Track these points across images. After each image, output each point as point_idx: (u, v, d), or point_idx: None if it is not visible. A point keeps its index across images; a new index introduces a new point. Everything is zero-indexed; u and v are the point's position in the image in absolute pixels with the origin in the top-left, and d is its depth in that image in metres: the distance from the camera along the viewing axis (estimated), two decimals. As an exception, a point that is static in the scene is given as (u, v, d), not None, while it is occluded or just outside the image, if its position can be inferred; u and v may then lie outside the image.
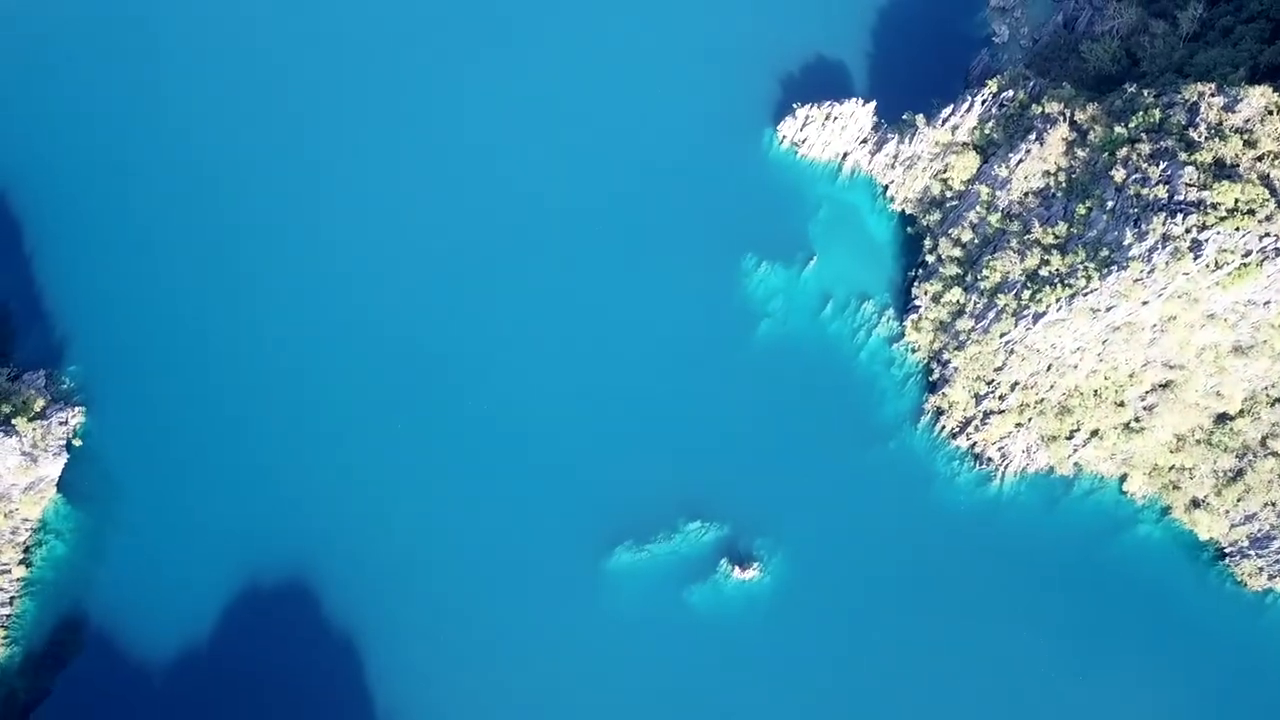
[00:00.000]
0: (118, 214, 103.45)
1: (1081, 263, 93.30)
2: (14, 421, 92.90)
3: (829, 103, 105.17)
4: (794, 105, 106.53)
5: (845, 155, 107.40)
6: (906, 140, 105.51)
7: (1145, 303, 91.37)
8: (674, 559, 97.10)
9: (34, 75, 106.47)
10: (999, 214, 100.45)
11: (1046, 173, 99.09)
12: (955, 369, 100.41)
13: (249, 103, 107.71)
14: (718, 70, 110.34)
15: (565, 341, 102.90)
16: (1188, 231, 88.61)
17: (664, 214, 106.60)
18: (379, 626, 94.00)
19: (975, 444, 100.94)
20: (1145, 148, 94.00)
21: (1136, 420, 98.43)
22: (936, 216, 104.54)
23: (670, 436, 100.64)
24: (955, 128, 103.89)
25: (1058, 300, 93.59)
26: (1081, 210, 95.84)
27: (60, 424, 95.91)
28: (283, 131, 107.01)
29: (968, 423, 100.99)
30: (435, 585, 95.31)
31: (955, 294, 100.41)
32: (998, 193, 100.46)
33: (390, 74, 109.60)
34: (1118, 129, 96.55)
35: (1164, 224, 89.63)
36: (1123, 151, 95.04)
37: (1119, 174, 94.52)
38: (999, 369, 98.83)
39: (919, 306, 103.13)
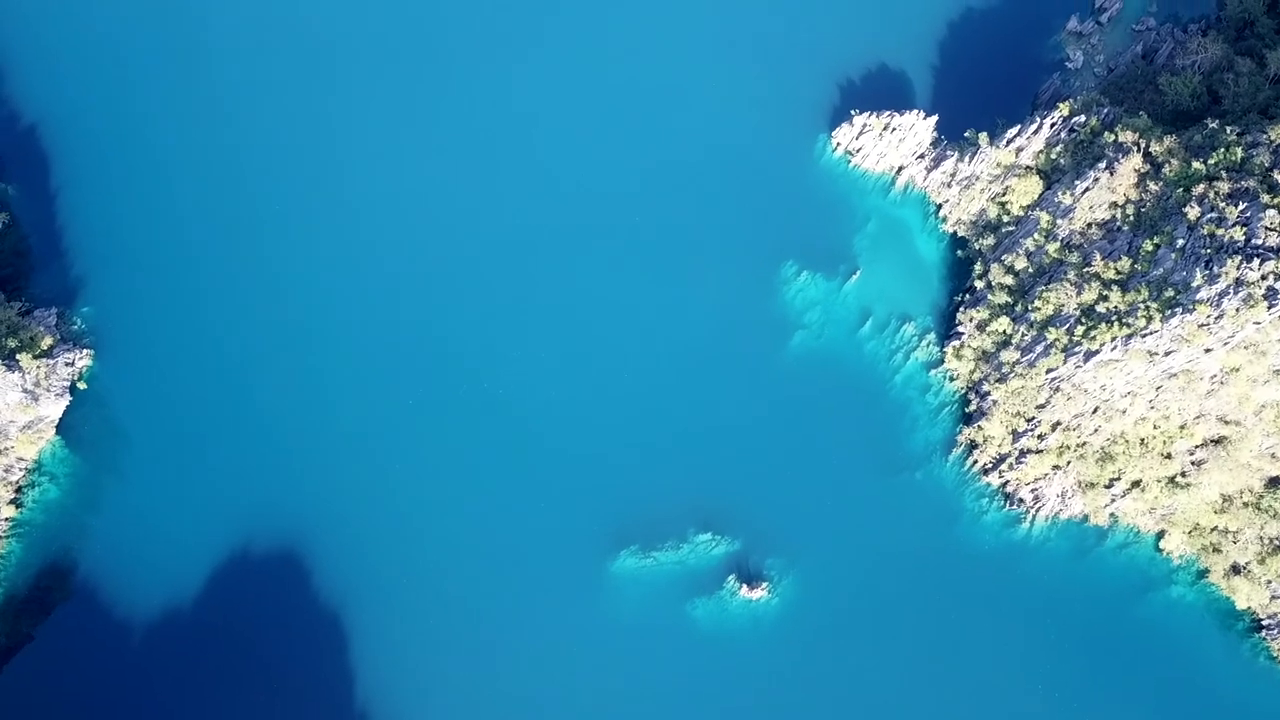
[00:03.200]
0: (148, 163, 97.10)
1: (1143, 301, 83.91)
2: (19, 357, 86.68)
3: (889, 113, 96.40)
4: (852, 112, 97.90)
5: (900, 169, 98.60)
6: (966, 159, 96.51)
7: (1208, 350, 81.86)
8: (680, 570, 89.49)
9: (71, 19, 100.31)
10: (1058, 243, 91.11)
11: (1114, 204, 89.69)
12: (994, 402, 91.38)
13: (288, 65, 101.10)
14: (776, 70, 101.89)
15: (590, 335, 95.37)
16: (1264, 278, 79.08)
17: (706, 211, 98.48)
18: (371, 601, 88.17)
19: (1007, 483, 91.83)
20: (1224, 186, 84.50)
21: (1183, 475, 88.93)
22: (990, 241, 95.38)
23: (689, 442, 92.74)
24: (1020, 150, 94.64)
25: (1113, 339, 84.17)
26: (1148, 246, 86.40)
27: (66, 364, 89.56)
28: (320, 102, 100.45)
29: (1001, 460, 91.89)
30: (434, 564, 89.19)
31: (1002, 323, 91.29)
32: (1059, 221, 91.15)
33: (439, 64, 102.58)
34: (1195, 164, 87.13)
35: (1238, 268, 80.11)
36: (1199, 188, 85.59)
37: (1193, 211, 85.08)
38: (1041, 406, 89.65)
39: (962, 333, 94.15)
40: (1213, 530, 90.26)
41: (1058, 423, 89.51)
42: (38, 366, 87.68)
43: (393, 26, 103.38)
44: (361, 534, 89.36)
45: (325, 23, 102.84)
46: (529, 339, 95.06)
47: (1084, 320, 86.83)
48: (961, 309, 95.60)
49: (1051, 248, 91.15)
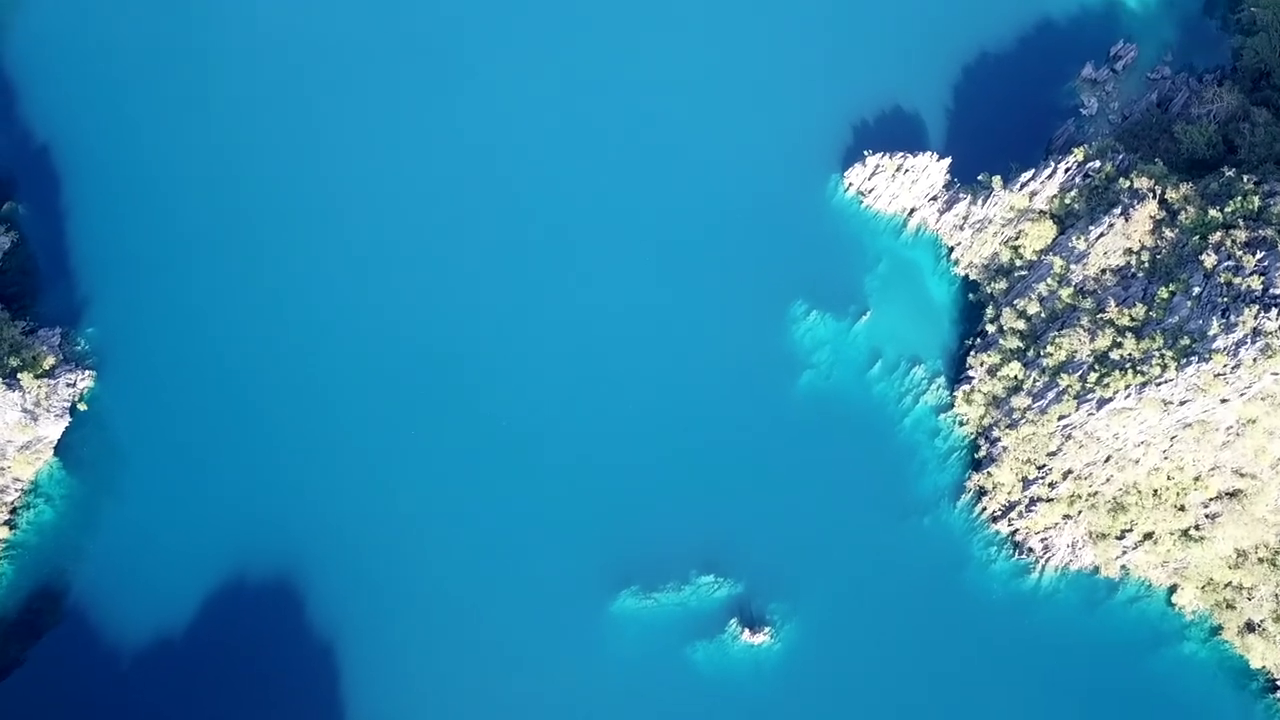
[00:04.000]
0: (157, 187, 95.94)
1: (1158, 349, 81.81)
2: (19, 376, 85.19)
3: (902, 154, 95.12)
4: (865, 152, 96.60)
5: (912, 211, 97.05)
6: (979, 202, 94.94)
7: (1224, 400, 79.64)
8: (681, 611, 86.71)
9: (86, 42, 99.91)
10: (1071, 289, 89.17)
11: (1129, 250, 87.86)
12: (1004, 448, 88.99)
13: (299, 96, 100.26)
14: (790, 109, 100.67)
15: (596, 370, 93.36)
16: (1282, 329, 77.21)
17: (715, 248, 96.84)
18: (368, 633, 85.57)
19: (1016, 531, 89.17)
20: (1241, 235, 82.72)
21: (1196, 528, 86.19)
22: (1002, 285, 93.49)
23: (693, 481, 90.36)
24: (1034, 194, 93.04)
25: (1127, 387, 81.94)
26: (1163, 294, 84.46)
27: (68, 385, 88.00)
28: (323, 129, 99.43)
29: (1011, 507, 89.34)
30: (431, 598, 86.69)
31: (1014, 368, 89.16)
32: (1072, 266, 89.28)
33: (454, 89, 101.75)
34: (1212, 212, 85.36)
35: (1256, 317, 78.05)
36: (1216, 236, 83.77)
37: (1210, 259, 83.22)
38: (1052, 454, 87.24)
39: (972, 377, 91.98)
40: (1227, 586, 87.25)
41: (1069, 471, 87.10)
42: (38, 386, 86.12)
43: (403, 64, 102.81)
44: (359, 565, 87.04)
45: (338, 51, 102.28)
46: (534, 371, 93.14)
47: (1097, 367, 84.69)
48: (972, 353, 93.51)
49: (1065, 293, 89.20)
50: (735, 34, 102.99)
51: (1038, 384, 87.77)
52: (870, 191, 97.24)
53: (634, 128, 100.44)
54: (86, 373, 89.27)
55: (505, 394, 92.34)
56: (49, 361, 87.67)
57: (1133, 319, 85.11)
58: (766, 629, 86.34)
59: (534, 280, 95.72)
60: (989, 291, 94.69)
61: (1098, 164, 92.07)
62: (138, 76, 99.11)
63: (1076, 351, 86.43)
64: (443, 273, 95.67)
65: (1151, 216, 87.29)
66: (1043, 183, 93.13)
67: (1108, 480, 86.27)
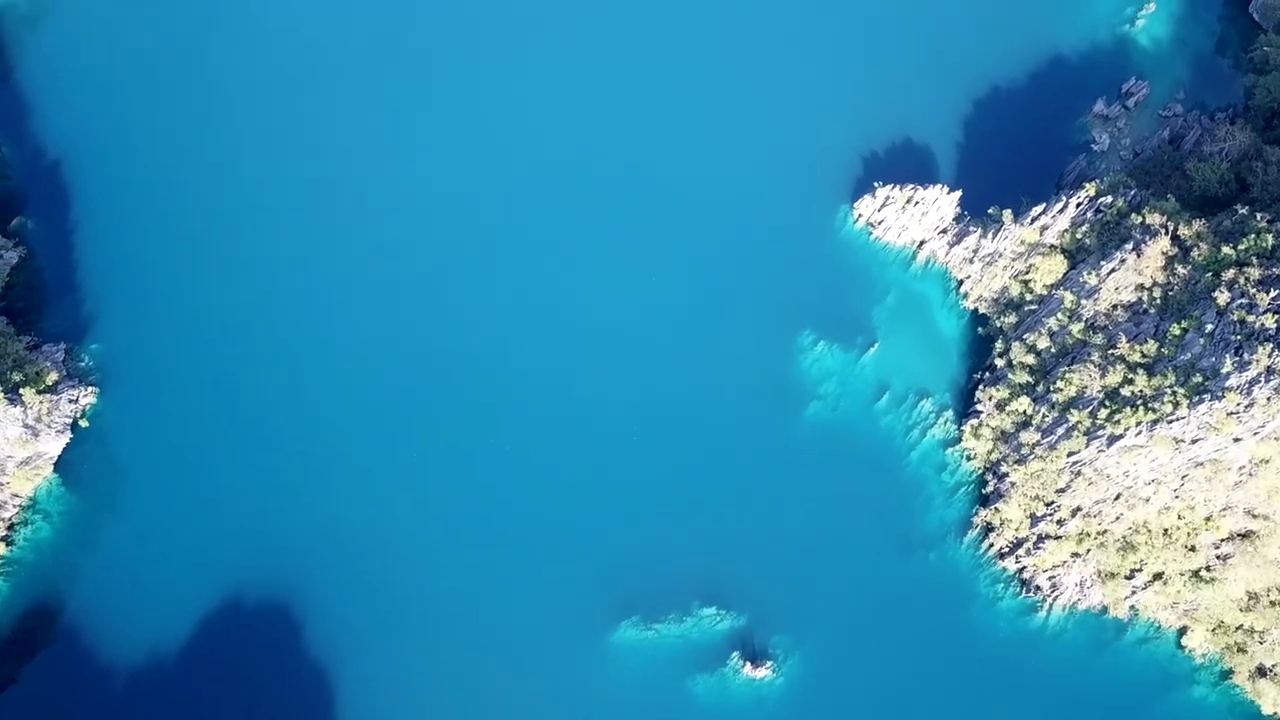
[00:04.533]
0: (166, 205, 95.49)
1: (1170, 386, 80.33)
2: (22, 391, 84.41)
3: (912, 186, 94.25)
4: (875, 184, 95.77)
5: (922, 243, 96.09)
6: (989, 235, 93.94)
7: (1237, 439, 78.01)
8: (682, 644, 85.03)
9: (97, 59, 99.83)
10: (1082, 324, 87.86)
11: (1140, 286, 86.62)
12: (1012, 484, 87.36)
13: (305, 118, 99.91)
14: (801, 139, 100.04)
15: (601, 397, 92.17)
16: (1296, 368, 75.77)
17: (723, 277, 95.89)
18: (367, 660, 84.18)
19: (1024, 568, 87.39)
20: (1254, 273, 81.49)
21: (1207, 569, 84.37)
22: (1012, 319, 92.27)
23: (696, 511, 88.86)
24: (1044, 228, 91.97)
25: (1138, 424, 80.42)
26: (1176, 330, 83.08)
27: (70, 401, 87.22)
28: (333, 150, 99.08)
29: (1019, 544, 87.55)
30: (430, 626, 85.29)
31: (1023, 403, 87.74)
32: (1083, 301, 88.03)
33: (467, 110, 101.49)
34: (1225, 249, 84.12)
35: (1270, 355, 76.62)
36: (1229, 274, 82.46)
37: (1222, 296, 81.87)
38: (1061, 491, 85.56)
39: (981, 412, 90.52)
40: (1238, 629, 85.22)
41: (1078, 508, 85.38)
42: (40, 401, 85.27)
43: (416, 100, 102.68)
44: (359, 589, 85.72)
45: (350, 75, 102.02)
46: (539, 396, 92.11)
47: (1108, 403, 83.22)
48: (981, 387, 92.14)
49: (1075, 328, 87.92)
50: (748, 64, 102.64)
51: (1047, 419, 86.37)
52: (880, 223, 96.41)
53: (645, 155, 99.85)
54: (89, 389, 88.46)
55: (509, 419, 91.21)
56: (52, 377, 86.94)
57: (1144, 355, 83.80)
58: (769, 663, 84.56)
59: (541, 306, 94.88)
60: (998, 325, 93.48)
61: (1109, 199, 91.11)
62: (147, 95, 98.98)
63: (1087, 387, 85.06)
64: (450, 299, 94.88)
65: (1164, 253, 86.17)
66: (1054, 217, 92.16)
67: (1117, 518, 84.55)
